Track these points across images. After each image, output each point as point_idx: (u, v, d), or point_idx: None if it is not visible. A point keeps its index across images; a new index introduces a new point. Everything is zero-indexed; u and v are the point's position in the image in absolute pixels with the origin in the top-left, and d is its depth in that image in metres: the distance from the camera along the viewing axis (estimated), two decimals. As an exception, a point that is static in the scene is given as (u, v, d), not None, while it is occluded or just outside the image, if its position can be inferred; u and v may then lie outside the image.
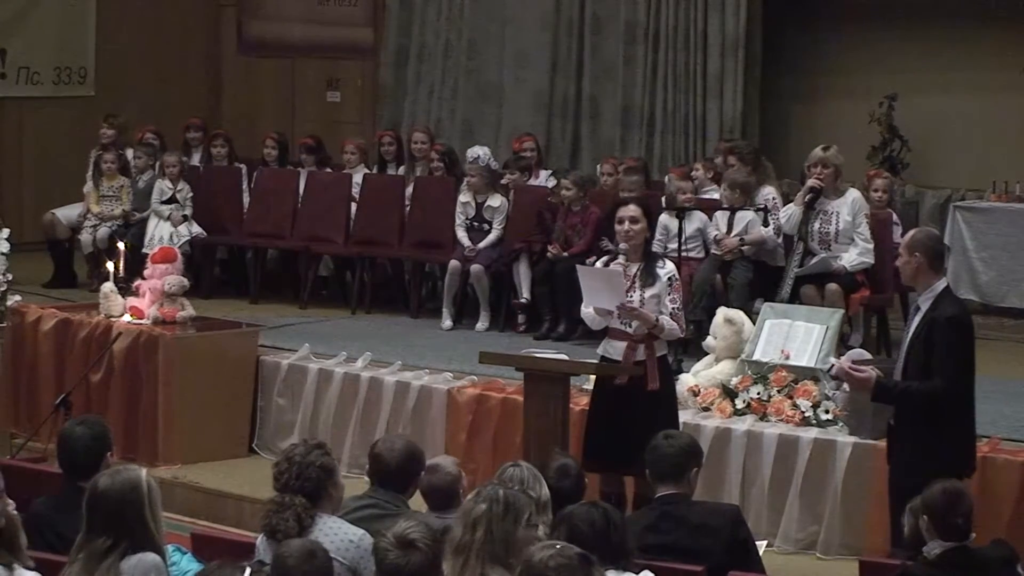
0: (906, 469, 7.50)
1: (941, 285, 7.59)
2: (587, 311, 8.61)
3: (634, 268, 8.51)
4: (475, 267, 12.35)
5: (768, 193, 11.32)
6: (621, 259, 8.55)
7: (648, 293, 8.45)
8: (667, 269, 8.56)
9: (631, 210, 8.56)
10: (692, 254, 11.22)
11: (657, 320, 8.41)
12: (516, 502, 5.48)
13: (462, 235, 12.62)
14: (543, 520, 5.90)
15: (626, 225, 8.51)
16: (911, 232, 7.86)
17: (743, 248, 11.06)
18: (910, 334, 7.61)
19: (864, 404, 7.77)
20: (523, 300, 12.19)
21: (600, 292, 8.50)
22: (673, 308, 8.49)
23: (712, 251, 11.20)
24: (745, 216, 11.10)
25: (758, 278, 11.03)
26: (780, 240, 11.17)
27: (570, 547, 5.02)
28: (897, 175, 13.81)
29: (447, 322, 12.47)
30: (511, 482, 6.09)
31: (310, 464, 6.10)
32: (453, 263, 12.45)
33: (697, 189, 11.82)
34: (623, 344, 8.49)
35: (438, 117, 15.75)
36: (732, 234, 11.12)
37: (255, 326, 11.75)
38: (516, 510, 5.45)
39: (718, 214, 11.22)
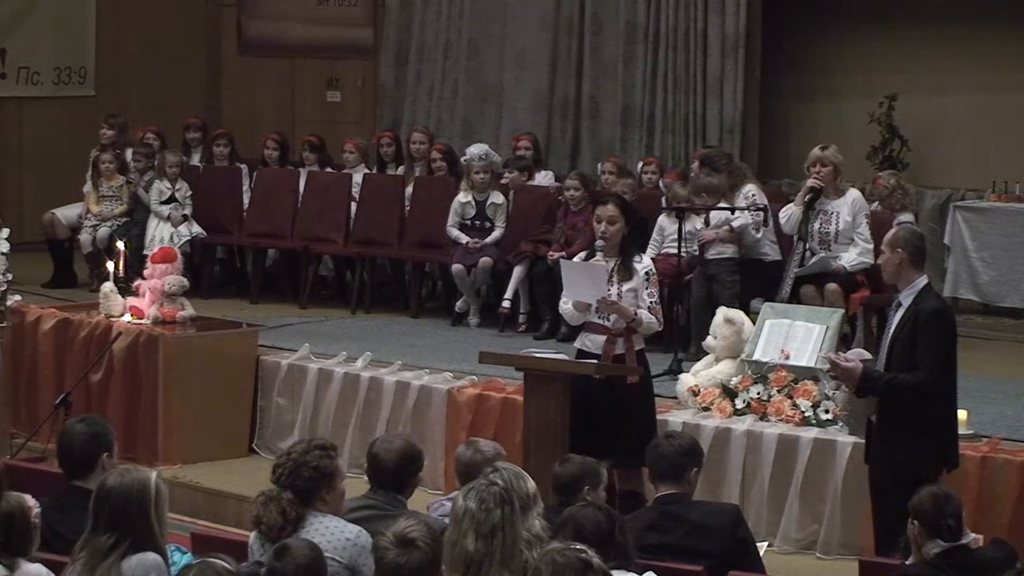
0: (891, 468, 7.52)
1: (922, 282, 7.68)
2: (566, 307, 8.81)
3: (611, 263, 8.70)
4: (484, 260, 12.33)
5: (749, 190, 11.31)
6: (599, 255, 8.68)
7: (625, 287, 8.65)
8: (644, 264, 8.77)
9: (609, 210, 8.72)
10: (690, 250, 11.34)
11: (635, 314, 8.60)
12: (515, 497, 5.44)
13: (457, 234, 12.58)
14: (537, 511, 5.87)
15: (603, 226, 8.69)
16: (893, 230, 7.98)
17: (728, 227, 11.04)
18: (892, 329, 7.67)
19: (861, 403, 7.76)
20: (505, 305, 12.16)
21: (581, 286, 8.68)
22: (651, 302, 8.70)
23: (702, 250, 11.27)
24: (719, 215, 11.13)
25: (750, 279, 11.04)
26: (760, 235, 11.16)
27: (573, 549, 4.99)
28: (897, 175, 13.83)
29: (474, 319, 12.45)
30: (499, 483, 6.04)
31: (305, 464, 6.10)
32: (457, 267, 12.37)
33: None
34: (601, 337, 8.68)
35: (438, 117, 15.75)
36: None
37: (255, 326, 11.75)
38: (516, 505, 5.41)
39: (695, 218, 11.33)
